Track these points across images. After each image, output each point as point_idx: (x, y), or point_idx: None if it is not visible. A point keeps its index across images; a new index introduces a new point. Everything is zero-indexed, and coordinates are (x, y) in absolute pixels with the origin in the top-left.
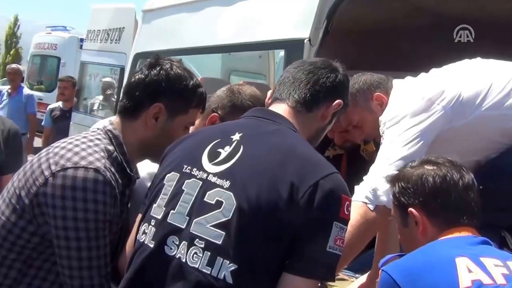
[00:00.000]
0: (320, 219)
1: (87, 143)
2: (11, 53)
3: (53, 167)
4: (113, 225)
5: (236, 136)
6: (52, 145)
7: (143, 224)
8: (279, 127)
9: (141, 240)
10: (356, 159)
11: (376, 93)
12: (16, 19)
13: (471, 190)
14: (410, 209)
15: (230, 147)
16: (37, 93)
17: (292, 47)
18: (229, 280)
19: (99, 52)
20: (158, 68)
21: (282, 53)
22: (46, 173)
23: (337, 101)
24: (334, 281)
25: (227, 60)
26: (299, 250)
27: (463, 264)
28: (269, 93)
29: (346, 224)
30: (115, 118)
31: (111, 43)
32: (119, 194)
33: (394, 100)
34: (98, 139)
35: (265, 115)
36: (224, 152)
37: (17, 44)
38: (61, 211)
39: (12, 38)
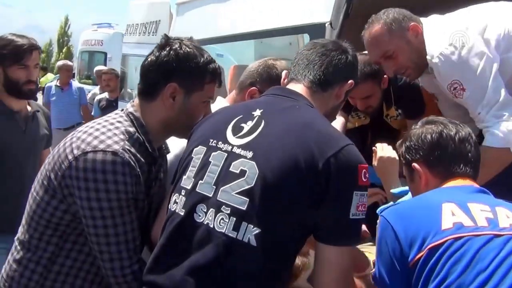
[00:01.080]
0: (340, 189)
1: (108, 126)
2: (63, 51)
3: (75, 151)
4: (138, 202)
5: (257, 112)
6: (77, 129)
7: (174, 195)
8: (297, 104)
9: (173, 209)
10: (381, 128)
11: (412, 23)
12: (66, 19)
13: (468, 143)
14: (414, 164)
15: (252, 121)
16: (87, 87)
17: (315, 31)
18: (253, 243)
19: (138, 44)
20: (167, 49)
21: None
22: (70, 157)
23: (349, 81)
24: (359, 243)
25: (260, 47)
26: (325, 220)
27: (448, 209)
28: (283, 73)
29: (366, 190)
30: (135, 100)
31: (148, 35)
32: (143, 172)
33: (436, 34)
34: (119, 121)
35: (284, 92)
36: (247, 126)
37: (69, 43)
38: (85, 193)
39: (64, 37)
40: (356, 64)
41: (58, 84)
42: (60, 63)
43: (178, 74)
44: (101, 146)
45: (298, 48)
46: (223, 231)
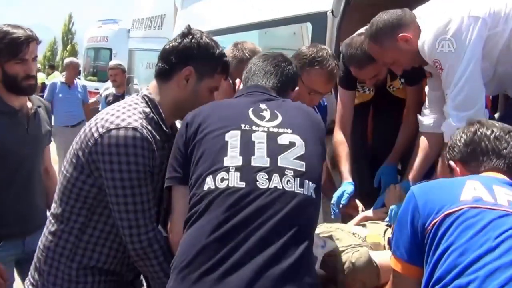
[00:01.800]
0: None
1: (127, 107)
2: (67, 49)
3: (100, 130)
4: (154, 175)
5: (263, 105)
6: (100, 112)
7: (214, 175)
8: (280, 98)
9: (222, 186)
10: (383, 99)
11: (400, 34)
12: (70, 17)
13: (505, 141)
14: (450, 162)
15: (267, 111)
16: (92, 84)
17: (317, 20)
18: (313, 195)
19: (144, 38)
20: (190, 37)
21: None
22: (95, 135)
23: (296, 88)
24: None
25: (264, 38)
26: None
27: (471, 184)
28: (237, 81)
29: None
30: (151, 84)
31: (154, 29)
32: (158, 148)
33: (430, 27)
34: (136, 103)
35: (266, 91)
36: (267, 113)
37: (73, 40)
38: (109, 165)
39: (68, 34)
40: (299, 73)
41: (64, 81)
42: (67, 60)
43: (196, 59)
44: (123, 124)
45: (302, 37)
46: (293, 189)
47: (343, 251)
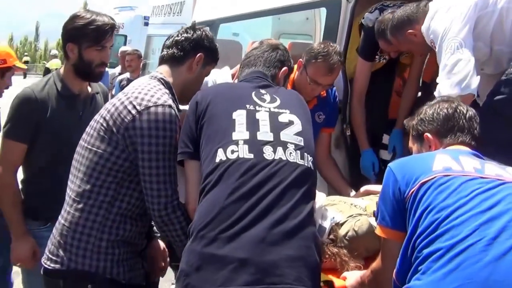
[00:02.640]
0: None
1: (155, 88)
2: None
3: (138, 107)
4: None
5: (263, 91)
6: (125, 92)
7: (225, 148)
8: (278, 87)
9: (233, 157)
10: (393, 66)
11: (408, 31)
12: (85, 4)
13: (475, 121)
14: (426, 134)
15: (266, 95)
16: (107, 70)
17: (331, 5)
18: (311, 167)
19: (163, 25)
20: (201, 30)
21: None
22: (133, 112)
23: (284, 68)
24: None
25: (277, 23)
26: None
27: (441, 157)
28: (234, 70)
29: None
30: (162, 68)
31: (173, 16)
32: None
33: (438, 17)
34: (158, 85)
35: (266, 77)
36: (267, 96)
37: None
38: (147, 139)
39: None
40: (288, 56)
41: None
42: None
43: (206, 48)
44: (160, 102)
45: (314, 23)
46: (295, 161)
47: (346, 221)
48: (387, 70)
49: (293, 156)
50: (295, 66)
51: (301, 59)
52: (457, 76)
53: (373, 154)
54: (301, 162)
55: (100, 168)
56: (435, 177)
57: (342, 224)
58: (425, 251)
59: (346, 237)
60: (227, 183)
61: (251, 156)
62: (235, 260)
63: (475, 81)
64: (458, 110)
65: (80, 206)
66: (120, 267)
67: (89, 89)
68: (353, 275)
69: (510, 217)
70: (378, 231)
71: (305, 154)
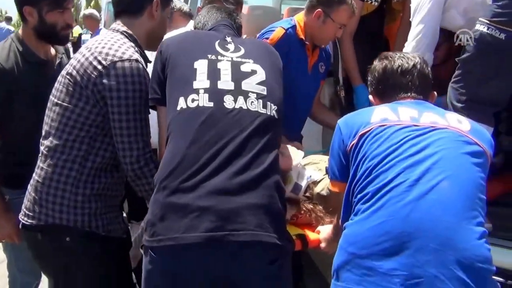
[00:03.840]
0: None
1: (119, 42)
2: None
3: (103, 62)
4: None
5: (229, 39)
6: (88, 47)
7: (185, 96)
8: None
9: (193, 106)
10: (383, 11)
11: None
12: None
13: (409, 74)
14: (369, 96)
15: (231, 44)
16: None
17: None
18: (275, 115)
19: None
20: None
21: None
22: (99, 67)
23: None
24: None
25: None
26: None
27: (380, 109)
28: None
29: None
30: (122, 21)
31: None
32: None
33: None
34: (122, 38)
35: (232, 26)
36: (231, 46)
37: None
38: (116, 93)
39: None
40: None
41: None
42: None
43: None
44: (126, 57)
45: None
46: (257, 109)
47: (323, 179)
48: (378, 14)
49: (255, 105)
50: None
51: (318, 9)
52: (410, 49)
53: (367, 89)
54: (262, 111)
55: (73, 123)
56: (371, 128)
57: (318, 182)
58: (359, 196)
59: (321, 194)
60: (187, 133)
61: (211, 104)
62: (197, 208)
63: (426, 58)
64: (387, 69)
65: (53, 161)
66: (99, 220)
67: (53, 51)
68: (326, 229)
69: (435, 160)
70: (331, 186)
71: (268, 103)
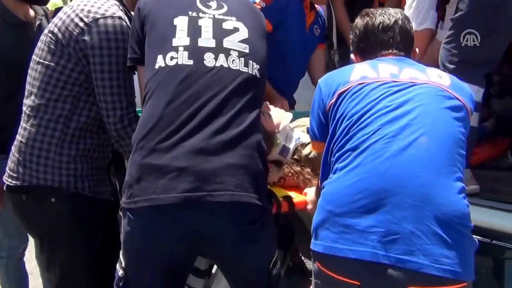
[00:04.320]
0: None
1: (101, 0)
2: None
3: (85, 19)
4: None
5: None
6: (70, 5)
7: (164, 54)
8: None
9: (172, 63)
10: None
11: None
12: None
13: (391, 30)
14: (351, 54)
15: (213, 1)
16: None
17: None
18: (257, 75)
19: None
20: None
21: None
22: (81, 24)
23: None
24: None
25: None
26: None
27: (360, 66)
28: None
29: None
30: None
31: None
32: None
33: None
34: None
35: None
36: (214, 3)
37: None
38: (98, 51)
39: None
40: None
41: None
42: None
43: None
44: (108, 14)
45: None
46: (238, 68)
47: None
48: None
49: (236, 63)
50: None
51: None
52: (411, 10)
53: None
54: (244, 69)
55: (55, 81)
56: (350, 86)
57: (306, 145)
58: (337, 155)
59: (309, 157)
60: (164, 91)
61: (191, 62)
62: (174, 169)
63: (431, 16)
64: (368, 26)
65: (36, 121)
66: (85, 182)
67: (32, 12)
68: (312, 190)
69: (414, 116)
70: (312, 146)
71: (250, 61)
